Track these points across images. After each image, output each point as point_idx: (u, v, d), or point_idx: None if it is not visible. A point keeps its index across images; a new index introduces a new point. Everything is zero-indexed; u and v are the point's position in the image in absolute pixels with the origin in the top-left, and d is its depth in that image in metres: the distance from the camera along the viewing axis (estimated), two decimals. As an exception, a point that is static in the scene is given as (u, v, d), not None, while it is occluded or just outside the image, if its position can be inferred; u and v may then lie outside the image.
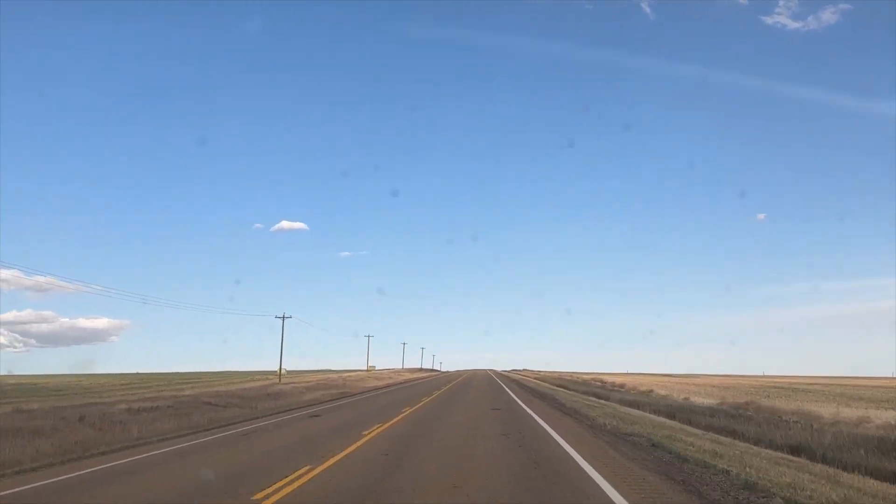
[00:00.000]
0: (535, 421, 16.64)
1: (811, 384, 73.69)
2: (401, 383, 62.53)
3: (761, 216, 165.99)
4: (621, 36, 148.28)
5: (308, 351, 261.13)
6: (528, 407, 22.62)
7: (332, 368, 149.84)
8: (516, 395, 31.62)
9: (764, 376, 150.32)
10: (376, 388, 50.23)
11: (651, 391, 43.27)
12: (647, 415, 19.54)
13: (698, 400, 31.67)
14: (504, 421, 16.59)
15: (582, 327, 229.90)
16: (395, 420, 18.05)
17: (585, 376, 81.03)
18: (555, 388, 45.72)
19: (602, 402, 27.43)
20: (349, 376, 77.87)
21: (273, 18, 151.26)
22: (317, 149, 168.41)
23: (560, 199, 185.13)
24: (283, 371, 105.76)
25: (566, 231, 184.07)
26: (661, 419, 18.27)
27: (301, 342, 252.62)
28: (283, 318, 61.46)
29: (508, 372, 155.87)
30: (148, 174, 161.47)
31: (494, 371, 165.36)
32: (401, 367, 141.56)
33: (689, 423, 17.60)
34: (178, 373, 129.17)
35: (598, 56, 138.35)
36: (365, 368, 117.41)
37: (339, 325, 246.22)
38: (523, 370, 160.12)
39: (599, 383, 57.30)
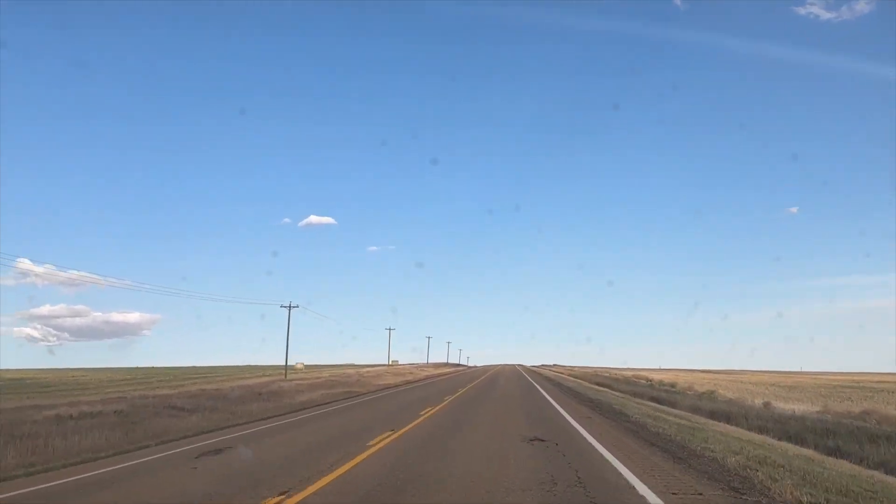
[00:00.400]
0: (622, 479, 8.22)
1: (879, 382, 65.75)
2: (418, 381, 56.53)
3: (794, 209, 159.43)
4: (655, 14, 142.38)
5: (331, 345, 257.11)
6: (584, 429, 14.15)
7: (355, 363, 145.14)
8: (557, 402, 25.18)
9: (802, 372, 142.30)
10: (389, 387, 44.33)
11: (713, 392, 36.48)
12: (769, 440, 12.94)
13: (787, 407, 24.91)
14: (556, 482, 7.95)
15: (610, 321, 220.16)
16: (369, 453, 11.68)
17: (625, 373, 74.33)
18: (598, 387, 39.17)
19: (675, 412, 20.86)
20: (367, 372, 72.33)
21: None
22: (346, 143, 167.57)
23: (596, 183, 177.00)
24: (299, 365, 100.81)
25: (600, 222, 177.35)
26: (809, 452, 11.68)
27: (324, 336, 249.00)
28: (290, 307, 55.83)
29: (538, 367, 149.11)
30: (178, 169, 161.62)
31: (523, 366, 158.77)
32: (425, 361, 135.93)
33: (854, 455, 11.16)
34: (203, 367, 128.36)
35: (639, 28, 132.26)
36: (389, 364, 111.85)
37: (367, 320, 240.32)
38: (554, 366, 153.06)
39: (646, 381, 50.59)
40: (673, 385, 50.00)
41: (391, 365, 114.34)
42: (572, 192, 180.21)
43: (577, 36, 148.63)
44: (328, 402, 28.15)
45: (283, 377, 52.47)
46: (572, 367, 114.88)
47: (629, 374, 75.16)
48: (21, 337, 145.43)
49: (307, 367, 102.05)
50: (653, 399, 28.52)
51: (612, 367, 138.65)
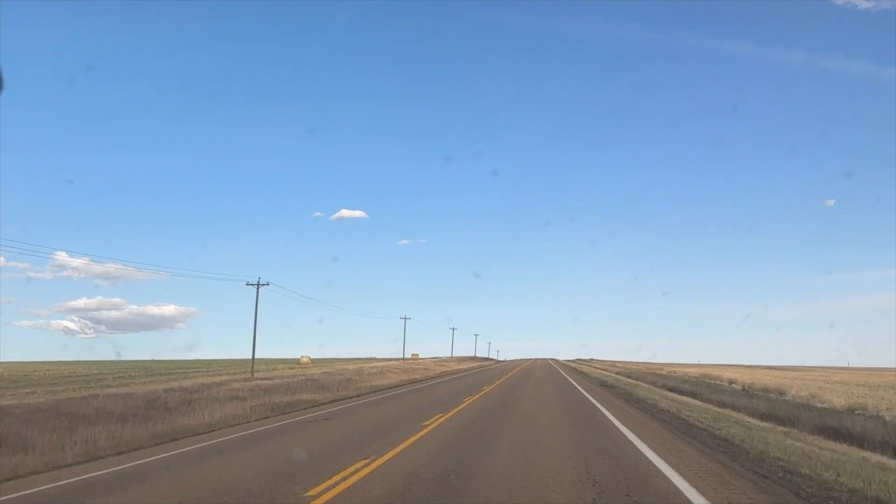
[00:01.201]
0: None
1: None
2: (426, 380, 45.12)
3: (830, 202, 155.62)
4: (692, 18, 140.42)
5: (356, 338, 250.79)
6: None
7: (377, 356, 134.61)
8: (628, 426, 13.71)
9: (850, 367, 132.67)
10: (385, 389, 33.07)
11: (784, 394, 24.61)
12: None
13: None
14: None
15: (651, 313, 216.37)
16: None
17: (687, 370, 62.01)
18: (676, 396, 27.20)
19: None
20: (373, 367, 61.21)
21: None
22: (378, 135, 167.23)
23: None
24: (305, 359, 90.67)
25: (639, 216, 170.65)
26: None
27: (349, 329, 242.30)
28: (258, 285, 44.72)
29: (572, 362, 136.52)
30: (211, 163, 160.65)
31: (556, 361, 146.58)
32: (449, 355, 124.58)
33: None
34: (233, 360, 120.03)
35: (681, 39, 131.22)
36: (404, 357, 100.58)
37: (398, 314, 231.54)
38: (591, 360, 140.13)
39: (727, 383, 38.47)
40: (731, 382, 38.49)
41: (407, 359, 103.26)
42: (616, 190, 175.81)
43: (633, 45, 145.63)
44: (235, 426, 16.81)
45: (253, 374, 41.42)
46: (614, 362, 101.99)
47: (692, 371, 62.47)
48: (59, 330, 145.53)
49: (315, 360, 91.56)
50: (746, 411, 16.73)
51: (654, 362, 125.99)
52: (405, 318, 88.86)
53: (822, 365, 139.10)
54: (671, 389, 32.12)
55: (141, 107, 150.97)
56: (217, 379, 37.30)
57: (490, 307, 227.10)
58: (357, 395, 28.20)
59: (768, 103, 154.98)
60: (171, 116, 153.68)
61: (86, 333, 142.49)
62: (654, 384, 35.91)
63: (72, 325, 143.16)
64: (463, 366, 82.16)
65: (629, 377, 43.84)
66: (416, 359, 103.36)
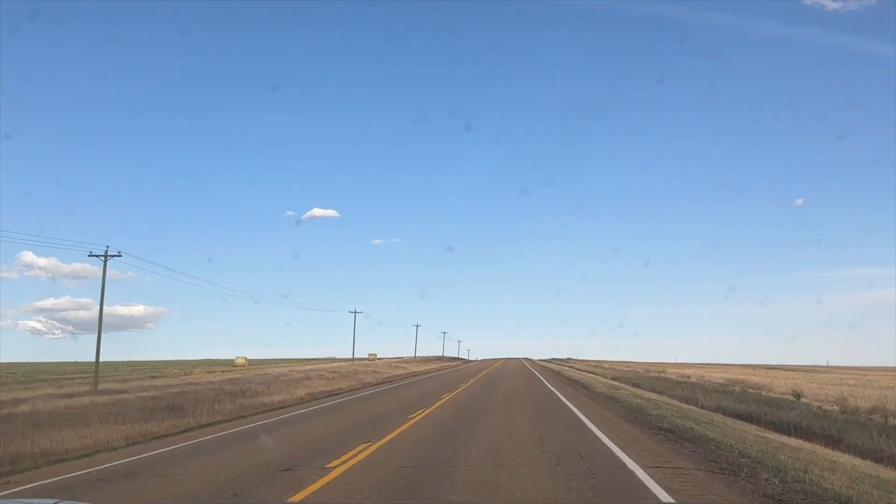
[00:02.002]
0: None
1: None
2: (369, 386, 34.35)
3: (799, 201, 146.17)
4: None
5: (318, 337, 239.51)
6: None
7: (337, 356, 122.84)
8: None
9: (829, 367, 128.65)
10: (278, 408, 21.94)
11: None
12: None
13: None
14: None
15: (623, 314, 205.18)
16: None
17: (684, 370, 51.89)
18: (690, 408, 16.47)
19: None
20: (306, 370, 50.13)
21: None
22: (350, 135, 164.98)
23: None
24: (240, 360, 78.98)
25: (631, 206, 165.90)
26: None
27: (311, 328, 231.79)
28: (106, 256, 32.98)
29: (548, 362, 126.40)
30: (178, 162, 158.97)
31: (530, 361, 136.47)
32: (412, 354, 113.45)
33: None
34: (205, 360, 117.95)
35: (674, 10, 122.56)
36: (355, 358, 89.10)
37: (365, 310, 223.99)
38: (567, 360, 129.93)
39: (756, 391, 28.33)
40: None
41: (361, 360, 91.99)
42: (595, 175, 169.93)
43: (616, 14, 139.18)
44: None
45: (97, 385, 29.76)
46: (599, 362, 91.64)
47: (689, 371, 52.48)
48: (26, 330, 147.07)
49: (261, 361, 79.78)
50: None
51: (635, 360, 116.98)
52: (355, 313, 77.50)
53: (798, 363, 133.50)
54: (686, 401, 21.66)
55: (111, 105, 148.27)
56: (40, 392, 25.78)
57: (462, 306, 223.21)
58: (211, 424, 16.98)
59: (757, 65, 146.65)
60: (137, 113, 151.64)
61: (53, 334, 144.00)
62: (688, 400, 25.38)
63: (38, 326, 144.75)
64: (422, 368, 71.17)
65: (636, 386, 33.09)
66: (373, 360, 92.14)
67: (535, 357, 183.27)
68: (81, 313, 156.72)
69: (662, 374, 45.07)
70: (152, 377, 51.57)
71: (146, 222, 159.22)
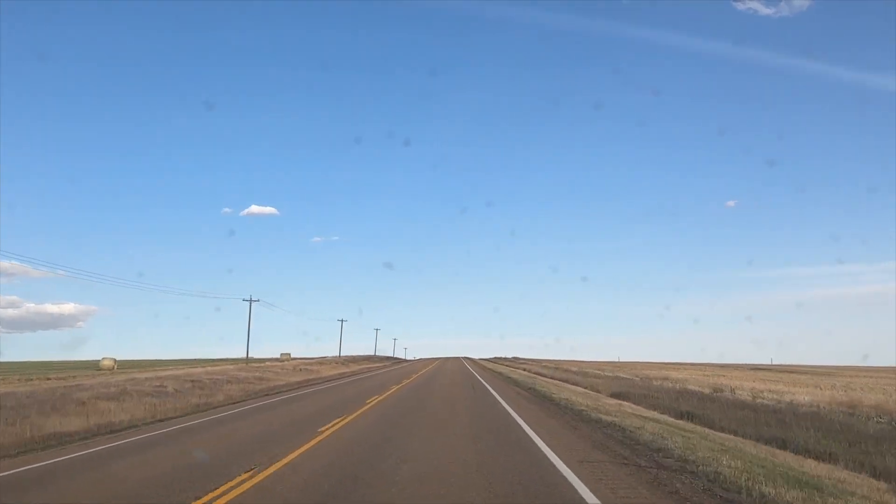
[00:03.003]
0: None
1: None
2: (232, 405, 19.93)
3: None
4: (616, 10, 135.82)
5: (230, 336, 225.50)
6: None
7: (259, 356, 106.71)
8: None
9: (774, 365, 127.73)
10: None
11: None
12: None
13: None
14: None
15: (560, 311, 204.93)
16: None
17: (649, 372, 40.11)
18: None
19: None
20: (165, 376, 35.56)
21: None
22: (290, 132, 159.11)
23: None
24: (107, 362, 62.41)
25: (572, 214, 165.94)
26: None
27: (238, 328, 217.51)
28: None
29: (492, 363, 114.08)
30: (111, 157, 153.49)
31: (471, 360, 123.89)
32: (337, 354, 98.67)
33: None
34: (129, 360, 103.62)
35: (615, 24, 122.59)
36: (248, 359, 73.91)
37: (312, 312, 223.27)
38: (514, 359, 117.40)
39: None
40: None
41: (260, 362, 76.99)
42: (537, 186, 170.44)
43: (558, 32, 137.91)
44: None
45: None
46: (559, 364, 78.98)
47: (653, 373, 40.73)
48: None
49: (121, 363, 63.78)
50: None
51: (573, 359, 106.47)
52: (250, 301, 62.24)
53: (743, 362, 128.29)
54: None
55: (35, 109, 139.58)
56: None
57: (401, 303, 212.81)
58: None
59: (691, 91, 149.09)
60: (67, 112, 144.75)
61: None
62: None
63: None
64: (336, 371, 56.85)
65: (623, 398, 20.57)
66: (285, 360, 77.06)
67: (477, 356, 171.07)
68: (10, 311, 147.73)
69: (665, 382, 32.67)
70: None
71: (75, 219, 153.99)
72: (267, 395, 29.50)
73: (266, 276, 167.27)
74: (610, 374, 42.64)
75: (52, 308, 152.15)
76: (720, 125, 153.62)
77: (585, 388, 30.30)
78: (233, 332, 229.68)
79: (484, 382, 32.86)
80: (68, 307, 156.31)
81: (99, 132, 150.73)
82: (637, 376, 40.91)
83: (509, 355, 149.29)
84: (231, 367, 52.20)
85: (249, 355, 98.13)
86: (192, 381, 33.12)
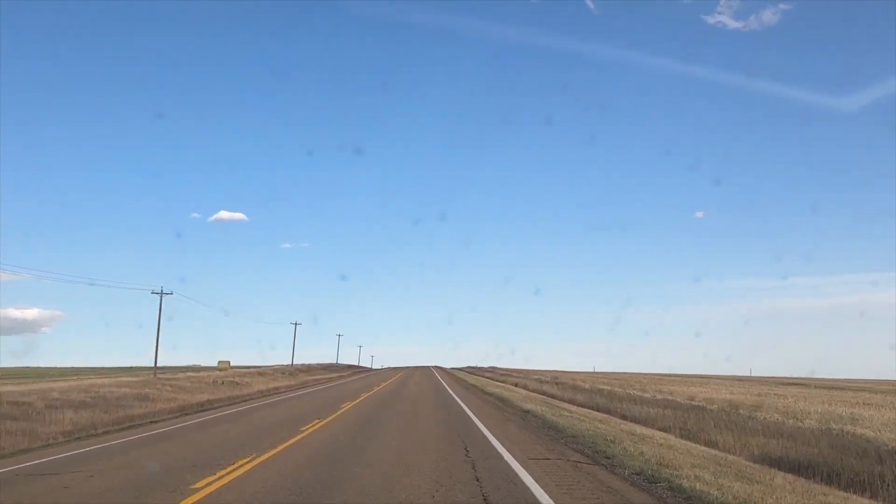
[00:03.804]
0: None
1: None
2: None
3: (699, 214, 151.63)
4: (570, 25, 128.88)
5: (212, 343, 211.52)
6: None
7: (208, 365, 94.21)
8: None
9: (752, 377, 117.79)
10: None
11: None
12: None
13: None
14: None
15: (524, 320, 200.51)
16: None
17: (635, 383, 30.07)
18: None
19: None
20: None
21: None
22: (258, 136, 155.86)
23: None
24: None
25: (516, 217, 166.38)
26: None
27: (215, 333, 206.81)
28: None
29: (463, 371, 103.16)
30: (80, 159, 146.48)
31: (442, 370, 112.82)
32: (290, 363, 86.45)
33: None
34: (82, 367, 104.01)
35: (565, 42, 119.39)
36: (157, 368, 61.62)
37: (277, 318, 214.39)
38: (492, 369, 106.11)
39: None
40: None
41: (221, 368, 64.92)
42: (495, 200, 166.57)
43: (509, 47, 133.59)
44: None
45: None
46: (557, 374, 66.84)
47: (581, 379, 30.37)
48: None
49: (73, 371, 51.27)
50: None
51: (534, 368, 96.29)
52: (161, 293, 49.93)
53: (724, 374, 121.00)
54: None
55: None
56: None
57: (372, 312, 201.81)
58: None
59: (641, 106, 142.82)
60: (31, 113, 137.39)
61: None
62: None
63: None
64: (275, 384, 44.96)
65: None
66: (224, 369, 64.84)
67: (449, 365, 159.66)
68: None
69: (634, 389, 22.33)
70: None
71: (38, 221, 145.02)
72: (107, 431, 18.04)
73: (230, 283, 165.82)
74: (648, 396, 31.96)
75: (14, 313, 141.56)
76: (667, 145, 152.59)
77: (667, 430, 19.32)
78: (191, 338, 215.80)
79: (472, 416, 21.36)
80: (32, 312, 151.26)
81: (62, 135, 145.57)
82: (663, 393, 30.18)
83: (483, 364, 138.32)
84: (134, 379, 40.30)
85: (196, 363, 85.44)
86: (18, 403, 21.42)
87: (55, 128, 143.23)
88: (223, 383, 39.42)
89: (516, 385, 42.35)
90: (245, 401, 31.26)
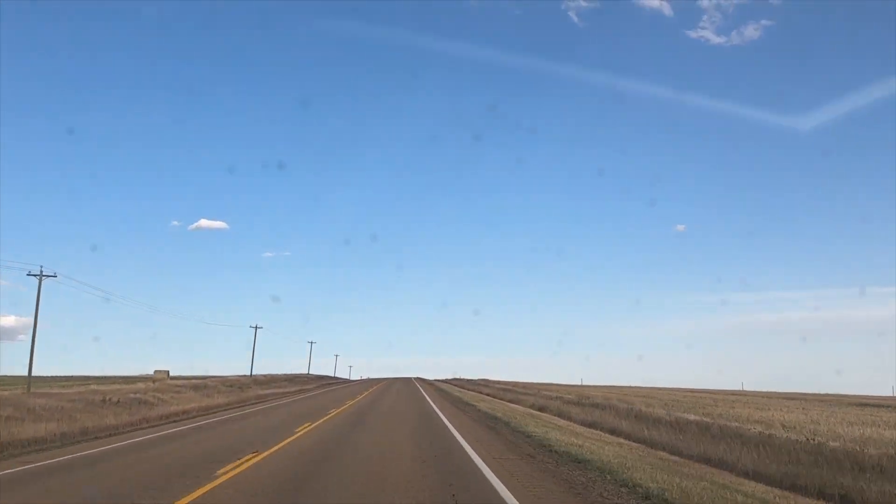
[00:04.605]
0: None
1: None
2: None
3: (681, 227, 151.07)
4: (541, 42, 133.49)
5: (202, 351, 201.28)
6: None
7: (143, 374, 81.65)
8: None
9: (678, 388, 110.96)
10: None
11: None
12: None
13: None
14: None
15: (486, 335, 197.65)
16: None
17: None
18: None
19: None
20: None
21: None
22: (241, 144, 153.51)
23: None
24: None
25: (474, 238, 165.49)
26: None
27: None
28: None
29: (447, 382, 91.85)
30: (57, 165, 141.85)
31: (424, 382, 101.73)
32: (249, 373, 74.34)
33: None
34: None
35: (513, 59, 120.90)
36: (31, 377, 49.56)
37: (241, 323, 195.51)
38: (481, 381, 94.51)
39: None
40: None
41: (156, 378, 52.95)
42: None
43: (440, 67, 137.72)
44: None
45: None
46: (559, 387, 55.57)
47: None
48: None
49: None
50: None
51: (496, 379, 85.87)
52: (40, 275, 37.99)
53: (716, 388, 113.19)
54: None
55: None
56: None
57: (350, 317, 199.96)
58: None
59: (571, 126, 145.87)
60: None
61: None
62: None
63: None
64: (205, 403, 33.07)
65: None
66: (160, 378, 52.76)
67: (432, 377, 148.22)
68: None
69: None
70: None
71: (23, 227, 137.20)
72: None
73: (212, 291, 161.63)
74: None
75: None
76: (599, 166, 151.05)
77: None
78: (128, 343, 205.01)
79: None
80: (9, 320, 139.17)
81: (39, 143, 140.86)
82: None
83: (467, 375, 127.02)
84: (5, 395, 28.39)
85: (145, 372, 73.10)
86: None
87: (30, 136, 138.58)
88: (120, 402, 27.65)
89: (543, 410, 30.87)
90: (119, 434, 19.79)
